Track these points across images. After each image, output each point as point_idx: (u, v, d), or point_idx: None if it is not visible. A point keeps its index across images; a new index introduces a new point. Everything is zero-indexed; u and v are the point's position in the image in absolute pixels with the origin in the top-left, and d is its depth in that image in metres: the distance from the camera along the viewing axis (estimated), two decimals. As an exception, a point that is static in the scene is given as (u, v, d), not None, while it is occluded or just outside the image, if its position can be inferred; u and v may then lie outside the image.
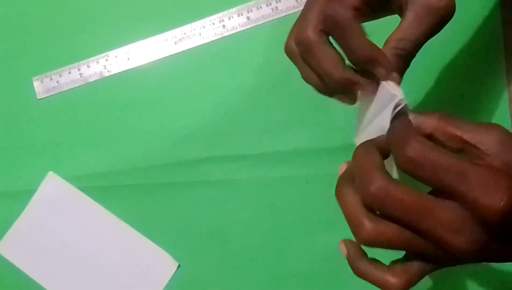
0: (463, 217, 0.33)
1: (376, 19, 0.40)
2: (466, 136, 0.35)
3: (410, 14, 0.37)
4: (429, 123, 0.36)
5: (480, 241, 0.33)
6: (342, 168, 0.38)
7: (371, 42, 0.36)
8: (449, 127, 0.35)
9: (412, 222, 0.33)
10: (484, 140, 0.34)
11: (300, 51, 0.38)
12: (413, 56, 0.38)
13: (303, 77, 0.40)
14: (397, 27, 0.37)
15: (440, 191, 0.33)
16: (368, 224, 0.34)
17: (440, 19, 0.37)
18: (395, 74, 0.36)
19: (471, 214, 0.33)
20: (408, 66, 0.38)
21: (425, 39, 0.37)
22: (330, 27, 0.37)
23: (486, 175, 0.32)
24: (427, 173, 0.33)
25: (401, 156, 0.33)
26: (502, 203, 0.32)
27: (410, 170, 0.33)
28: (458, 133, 0.35)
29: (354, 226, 0.35)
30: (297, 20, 0.39)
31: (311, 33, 0.37)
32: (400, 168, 0.34)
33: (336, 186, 0.36)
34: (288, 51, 0.40)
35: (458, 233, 0.33)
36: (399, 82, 0.36)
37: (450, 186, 0.33)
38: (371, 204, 0.34)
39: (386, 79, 0.36)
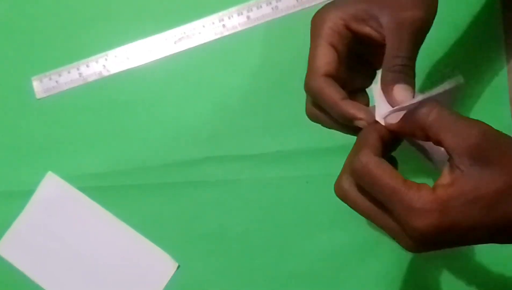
0: (394, 227, 0.36)
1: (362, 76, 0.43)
2: (446, 144, 0.35)
3: (389, 38, 0.39)
4: (411, 125, 0.37)
5: (413, 247, 0.36)
6: None
7: (345, 102, 0.39)
8: (433, 134, 0.36)
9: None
10: (459, 149, 0.35)
11: (312, 99, 0.41)
12: (411, 67, 0.39)
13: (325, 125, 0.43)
14: (385, 53, 0.40)
15: None
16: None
17: (417, 30, 0.40)
18: (402, 85, 0.39)
19: (400, 227, 0.36)
20: (413, 76, 0.39)
21: (411, 51, 0.39)
22: (311, 97, 0.41)
23: (415, 199, 0.34)
24: (366, 185, 0.36)
25: (351, 163, 0.37)
26: (419, 232, 0.35)
27: (353, 177, 0.37)
28: (439, 139, 0.36)
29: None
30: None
31: (314, 82, 0.40)
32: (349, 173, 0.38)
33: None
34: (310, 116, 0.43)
35: (397, 237, 0.37)
36: (411, 90, 0.39)
37: (383, 202, 0.36)
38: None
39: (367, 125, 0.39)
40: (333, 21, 0.40)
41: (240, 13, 0.59)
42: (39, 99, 0.59)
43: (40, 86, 0.59)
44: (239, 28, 0.59)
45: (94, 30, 0.60)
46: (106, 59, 0.59)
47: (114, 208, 0.57)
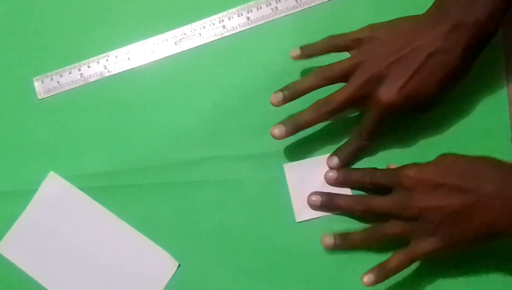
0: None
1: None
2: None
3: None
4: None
5: None
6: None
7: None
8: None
9: None
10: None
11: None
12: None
13: None
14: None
15: None
16: None
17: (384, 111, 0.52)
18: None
19: None
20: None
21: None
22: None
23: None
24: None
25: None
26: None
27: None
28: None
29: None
30: None
31: None
32: None
33: None
34: None
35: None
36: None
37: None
38: None
39: None
40: None
41: (240, 14, 0.59)
42: (40, 99, 0.60)
43: (41, 86, 0.59)
44: (239, 29, 0.59)
45: (95, 31, 0.60)
46: (107, 60, 0.60)
47: (115, 207, 0.57)
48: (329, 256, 0.56)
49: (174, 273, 0.56)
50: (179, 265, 0.56)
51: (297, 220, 0.56)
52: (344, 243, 0.54)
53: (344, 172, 0.55)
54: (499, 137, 0.57)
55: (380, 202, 0.52)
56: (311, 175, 0.56)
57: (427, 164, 0.51)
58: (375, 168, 0.55)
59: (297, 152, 0.57)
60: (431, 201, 0.49)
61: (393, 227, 0.51)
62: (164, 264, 0.56)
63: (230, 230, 0.57)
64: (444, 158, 0.50)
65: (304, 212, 0.56)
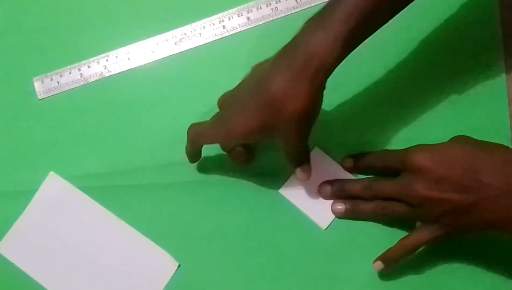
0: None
1: None
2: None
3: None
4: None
5: None
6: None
7: None
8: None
9: None
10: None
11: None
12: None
13: None
14: None
15: None
16: None
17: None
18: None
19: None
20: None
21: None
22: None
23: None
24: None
25: None
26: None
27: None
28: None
29: None
30: None
31: None
32: None
33: None
34: None
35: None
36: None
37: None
38: None
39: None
40: None
41: (240, 14, 0.59)
42: (40, 99, 0.60)
43: (41, 86, 0.60)
44: (239, 29, 0.59)
45: (95, 31, 0.60)
46: (107, 60, 0.60)
47: (115, 207, 0.57)
48: (329, 256, 0.56)
49: (174, 273, 0.56)
50: (179, 265, 0.56)
51: (324, 228, 0.56)
52: (355, 210, 0.56)
53: (358, 159, 0.57)
54: (499, 137, 0.56)
55: (387, 186, 0.53)
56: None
57: (435, 149, 0.51)
58: (385, 151, 0.56)
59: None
60: (433, 192, 0.50)
61: (400, 207, 0.53)
62: (164, 264, 0.56)
63: (230, 230, 0.57)
64: (454, 145, 0.51)
65: (325, 217, 0.56)
